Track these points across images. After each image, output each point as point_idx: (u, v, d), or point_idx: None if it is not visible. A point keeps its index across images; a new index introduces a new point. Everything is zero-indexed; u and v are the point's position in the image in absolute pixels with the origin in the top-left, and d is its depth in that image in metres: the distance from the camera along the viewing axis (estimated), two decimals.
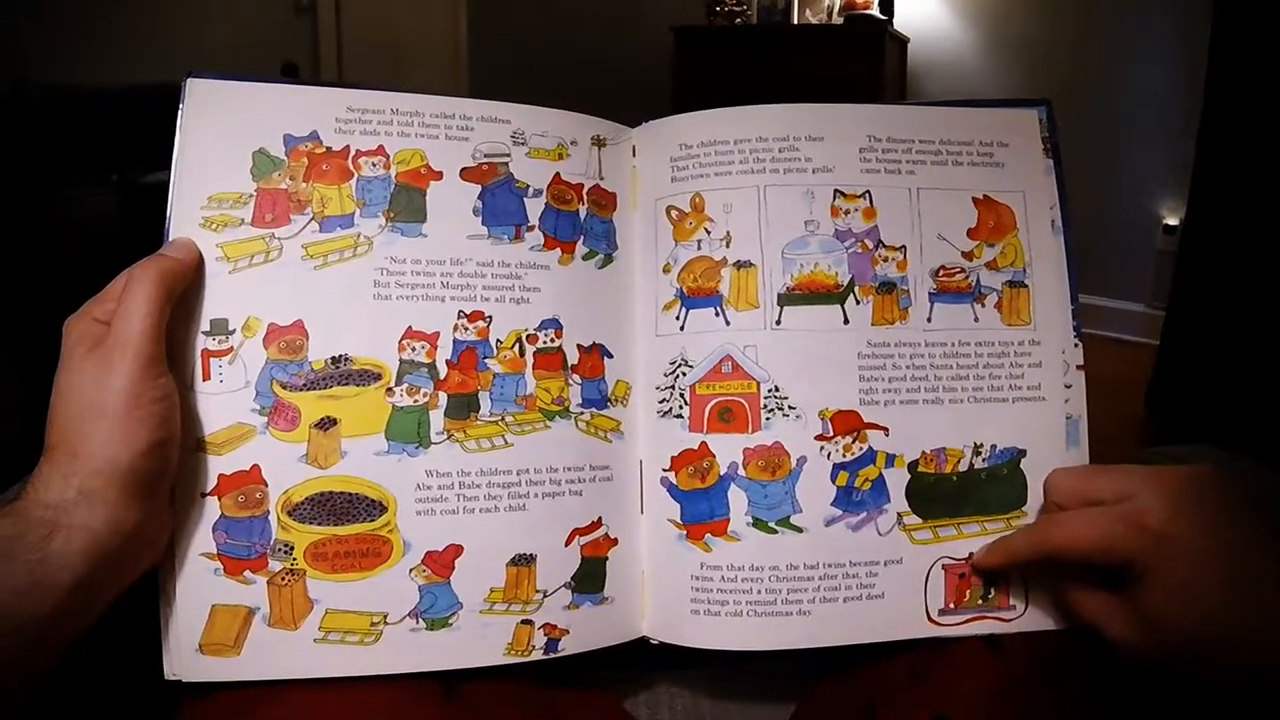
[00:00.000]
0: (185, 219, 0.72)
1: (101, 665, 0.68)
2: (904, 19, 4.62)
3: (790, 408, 0.78)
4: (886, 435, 0.78)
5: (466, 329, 0.75)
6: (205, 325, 0.71)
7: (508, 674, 0.74)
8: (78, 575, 0.60)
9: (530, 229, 0.78)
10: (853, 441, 0.78)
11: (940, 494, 0.79)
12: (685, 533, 0.77)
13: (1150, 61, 3.91)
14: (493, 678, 0.73)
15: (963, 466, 0.79)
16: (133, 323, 0.64)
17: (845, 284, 0.79)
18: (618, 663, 0.78)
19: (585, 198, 0.81)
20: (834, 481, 0.78)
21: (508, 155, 0.79)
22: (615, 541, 0.78)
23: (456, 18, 5.38)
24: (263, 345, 0.72)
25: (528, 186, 0.79)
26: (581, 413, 0.78)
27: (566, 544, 0.76)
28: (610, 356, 0.80)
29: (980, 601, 0.78)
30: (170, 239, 0.71)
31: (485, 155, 0.78)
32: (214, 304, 0.71)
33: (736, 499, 0.77)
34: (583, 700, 0.77)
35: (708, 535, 0.77)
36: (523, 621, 0.74)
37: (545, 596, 0.75)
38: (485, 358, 0.76)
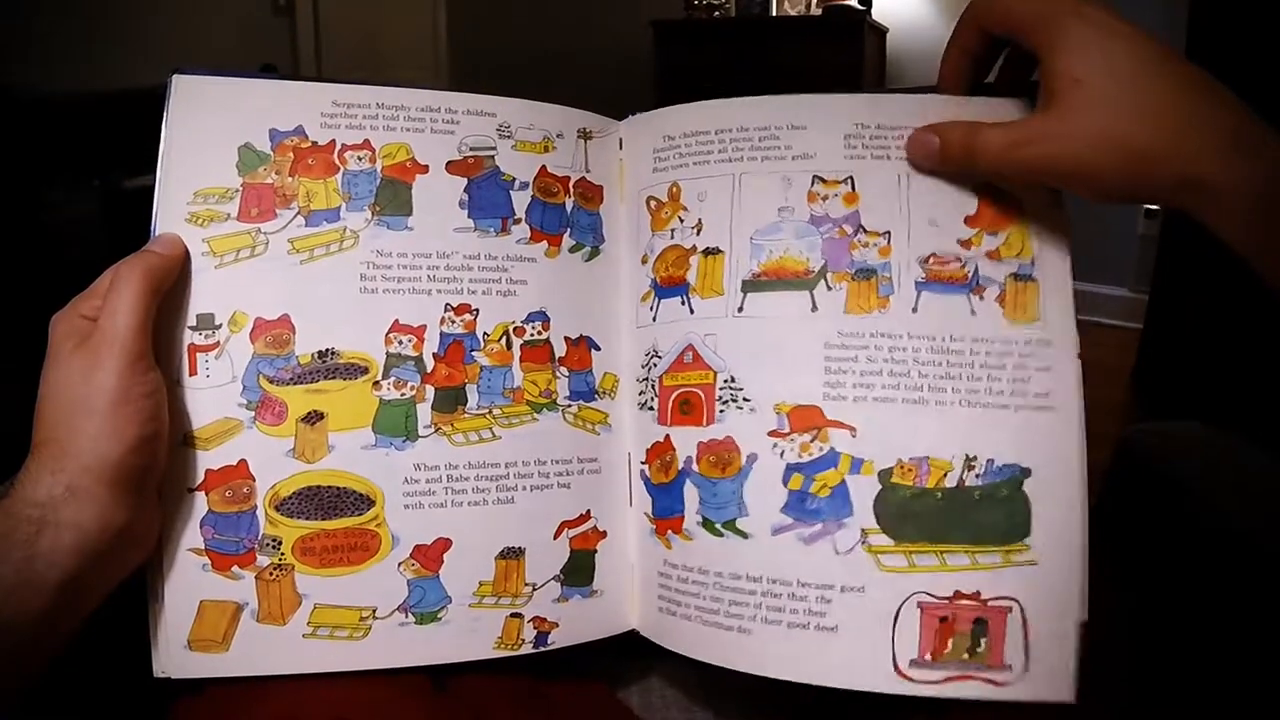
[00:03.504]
0: (171, 214, 0.71)
1: (91, 664, 0.68)
2: (882, 10, 4.64)
3: (745, 400, 0.73)
4: (853, 436, 0.71)
5: (453, 322, 0.75)
6: (191, 320, 0.71)
7: (498, 667, 0.74)
8: (66, 573, 0.60)
9: (517, 222, 0.78)
10: (811, 440, 0.71)
11: (919, 512, 0.69)
12: (654, 527, 0.77)
13: None
14: (483, 671, 0.73)
15: (950, 481, 0.69)
16: (119, 318, 0.64)
17: (817, 270, 0.74)
18: (610, 653, 0.78)
19: (572, 190, 0.81)
20: (786, 484, 0.71)
21: (494, 148, 0.78)
22: (604, 534, 0.78)
23: (435, 17, 5.37)
24: (249, 340, 0.71)
25: (514, 179, 0.78)
26: (569, 405, 0.78)
27: (555, 537, 0.76)
28: (598, 349, 0.80)
29: (966, 655, 0.67)
30: (156, 235, 0.71)
31: (471, 148, 0.78)
32: (200, 299, 0.71)
33: (690, 496, 0.74)
34: (575, 691, 0.77)
35: (669, 531, 0.76)
36: (512, 615, 0.74)
37: (534, 589, 0.75)
38: (472, 350, 0.75)
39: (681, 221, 0.78)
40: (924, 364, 0.71)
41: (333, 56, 4.68)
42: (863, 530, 0.69)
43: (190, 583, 0.69)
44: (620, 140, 0.84)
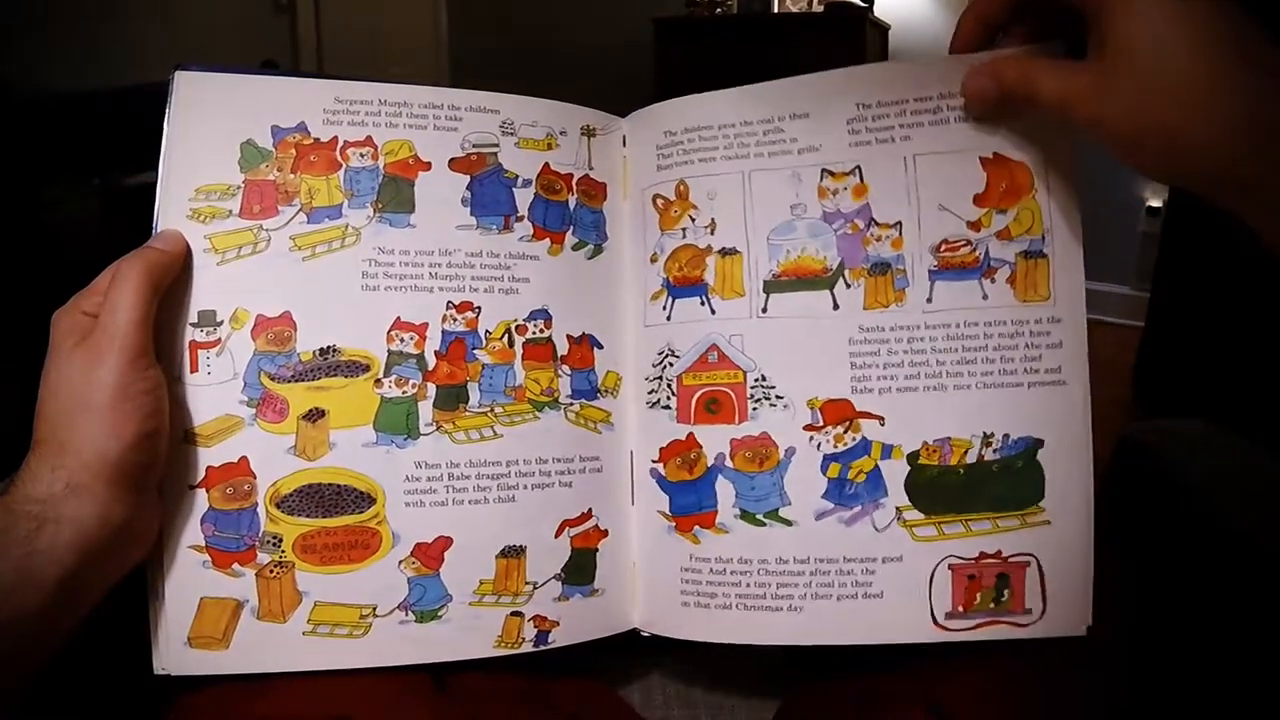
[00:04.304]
0: (173, 211, 0.71)
1: (91, 662, 0.68)
2: (884, 7, 4.63)
3: (777, 397, 0.75)
4: (882, 425, 0.73)
5: (455, 320, 0.75)
6: (193, 317, 0.71)
7: (499, 665, 0.74)
8: (66, 569, 0.60)
9: (519, 219, 0.78)
10: (844, 431, 0.74)
11: (945, 487, 0.73)
12: (674, 524, 0.77)
13: None
14: (484, 669, 0.73)
15: (970, 458, 0.72)
16: (120, 315, 0.63)
17: (834, 268, 0.75)
18: (611, 651, 0.78)
19: (574, 188, 0.80)
20: (825, 473, 0.74)
21: (496, 145, 0.78)
22: (606, 533, 0.78)
23: (436, 14, 5.37)
24: (251, 337, 0.71)
25: (517, 177, 0.78)
26: (571, 404, 0.78)
27: (556, 535, 0.76)
28: (600, 347, 0.80)
29: (992, 605, 0.71)
30: (157, 231, 0.71)
31: (474, 145, 0.77)
32: (201, 295, 0.71)
33: (724, 491, 0.76)
34: (576, 689, 0.77)
35: (696, 527, 0.76)
36: (513, 613, 0.74)
37: (535, 588, 0.75)
38: (474, 348, 0.75)
39: (693, 220, 0.78)
40: (941, 352, 0.73)
41: (334, 54, 4.68)
42: (897, 508, 0.73)
43: (190, 580, 0.69)
44: (624, 137, 0.83)
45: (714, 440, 0.76)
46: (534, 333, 0.77)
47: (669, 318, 0.79)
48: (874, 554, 0.73)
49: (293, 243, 0.73)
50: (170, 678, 0.69)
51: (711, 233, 0.78)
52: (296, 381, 0.72)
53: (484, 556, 0.74)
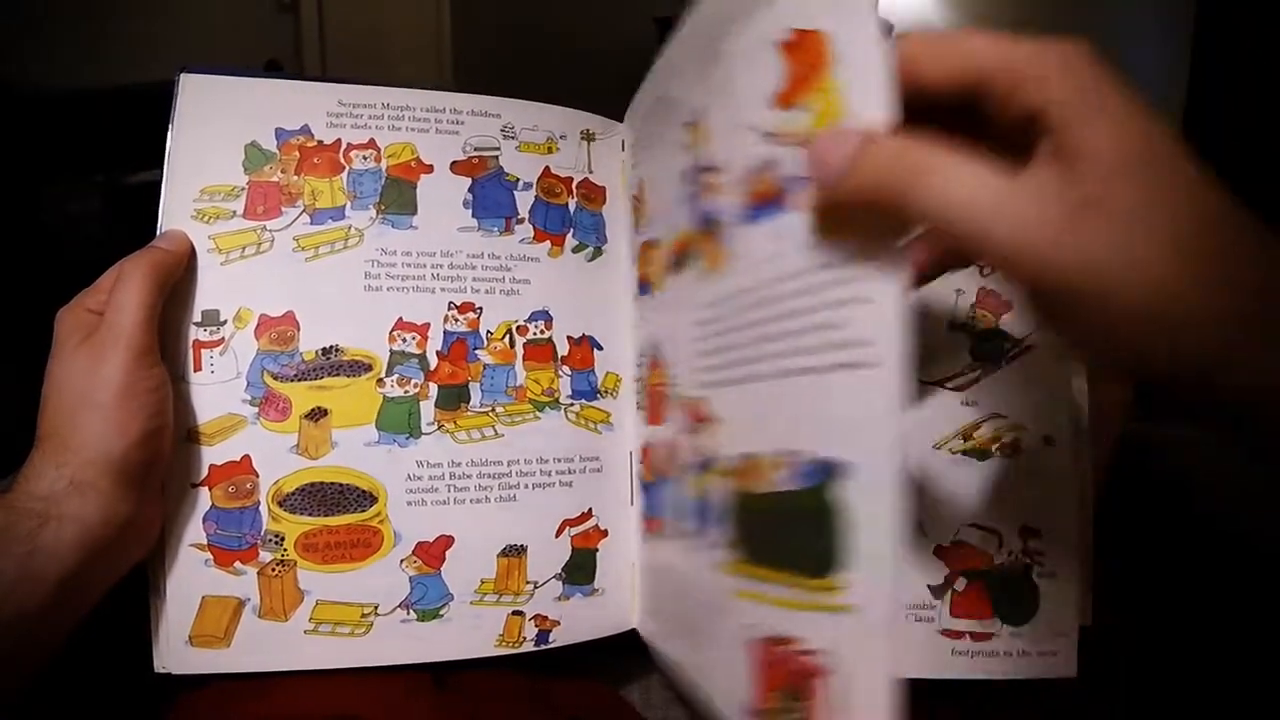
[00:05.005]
0: (177, 211, 0.72)
1: (92, 660, 0.68)
2: (887, 5, 4.61)
3: (677, 396, 0.69)
4: (717, 430, 0.58)
5: (457, 320, 0.75)
6: (197, 316, 0.71)
7: (500, 664, 0.74)
8: (68, 567, 0.60)
9: (520, 221, 0.78)
10: (696, 436, 0.62)
11: (746, 524, 0.54)
12: (646, 528, 0.77)
13: (1135, 44, 3.91)
14: (485, 668, 0.73)
15: (766, 484, 0.51)
16: (125, 314, 0.64)
17: (693, 234, 0.63)
18: (611, 651, 0.78)
19: (574, 191, 0.81)
20: (692, 487, 0.64)
21: (498, 149, 0.79)
22: (605, 533, 0.78)
23: (439, 14, 5.37)
24: (254, 336, 0.72)
25: (518, 180, 0.79)
26: (571, 404, 0.78)
27: (557, 535, 0.76)
28: (600, 348, 0.80)
29: (784, 714, 0.48)
30: (162, 231, 0.71)
31: (475, 149, 0.78)
32: (205, 295, 0.71)
33: (662, 495, 0.74)
34: (576, 688, 0.77)
35: (653, 531, 0.76)
36: (514, 613, 0.74)
37: (536, 588, 0.75)
38: (475, 349, 0.76)
39: (645, 217, 0.79)
40: (754, 325, 0.53)
41: (337, 54, 4.67)
42: (728, 543, 0.57)
43: (192, 578, 0.70)
44: (623, 141, 0.84)
45: (658, 441, 0.75)
46: (535, 334, 0.77)
47: (642, 318, 0.79)
48: (715, 599, 0.58)
49: (296, 243, 0.73)
50: (171, 676, 0.69)
51: (650, 225, 0.77)
52: (299, 381, 0.72)
53: (485, 556, 0.74)
